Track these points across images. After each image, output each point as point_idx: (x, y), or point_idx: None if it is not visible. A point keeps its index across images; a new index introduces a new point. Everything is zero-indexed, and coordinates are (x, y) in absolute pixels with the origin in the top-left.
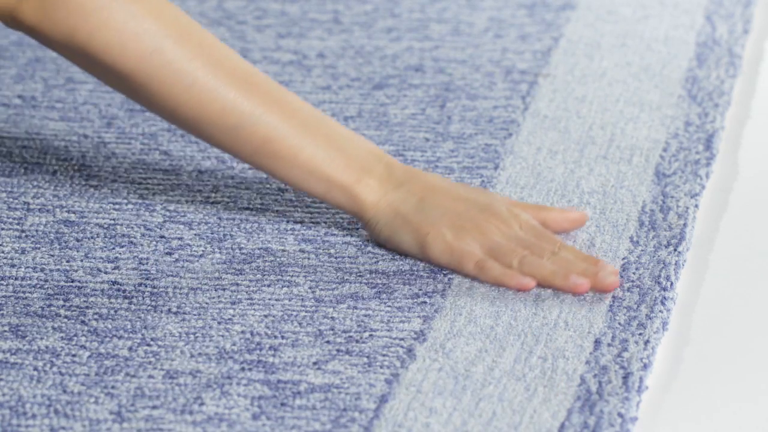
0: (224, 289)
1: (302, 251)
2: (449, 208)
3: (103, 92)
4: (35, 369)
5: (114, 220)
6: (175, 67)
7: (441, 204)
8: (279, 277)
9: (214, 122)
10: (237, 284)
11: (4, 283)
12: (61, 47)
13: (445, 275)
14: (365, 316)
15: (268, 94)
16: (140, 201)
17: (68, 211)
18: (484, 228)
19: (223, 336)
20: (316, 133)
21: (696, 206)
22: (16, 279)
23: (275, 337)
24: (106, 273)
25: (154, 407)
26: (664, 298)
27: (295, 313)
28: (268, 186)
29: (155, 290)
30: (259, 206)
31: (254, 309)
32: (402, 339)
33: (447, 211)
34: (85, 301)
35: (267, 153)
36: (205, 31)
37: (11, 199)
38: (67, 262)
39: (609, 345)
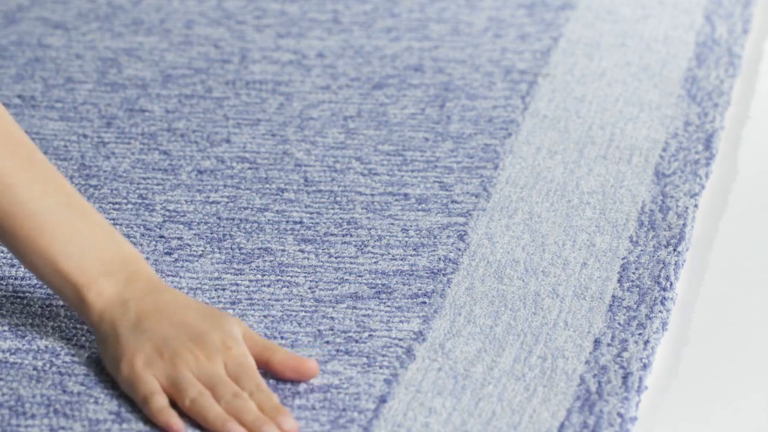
0: (224, 289)
1: (302, 251)
2: (159, 333)
3: (102, 92)
4: (35, 369)
5: (114, 219)
6: None
7: (154, 328)
8: (278, 277)
9: None
10: (237, 284)
11: (4, 283)
12: None
13: (444, 276)
14: (365, 316)
15: (25, 165)
16: (140, 201)
17: None
18: (179, 359)
19: None
20: (63, 221)
21: (695, 206)
22: (16, 279)
23: (275, 337)
24: None
25: None
26: (664, 298)
27: (294, 314)
28: (267, 186)
29: None
30: (259, 206)
31: (254, 309)
32: (401, 339)
33: (155, 336)
34: None
35: (6, 228)
36: None
37: None
38: None
39: (609, 345)
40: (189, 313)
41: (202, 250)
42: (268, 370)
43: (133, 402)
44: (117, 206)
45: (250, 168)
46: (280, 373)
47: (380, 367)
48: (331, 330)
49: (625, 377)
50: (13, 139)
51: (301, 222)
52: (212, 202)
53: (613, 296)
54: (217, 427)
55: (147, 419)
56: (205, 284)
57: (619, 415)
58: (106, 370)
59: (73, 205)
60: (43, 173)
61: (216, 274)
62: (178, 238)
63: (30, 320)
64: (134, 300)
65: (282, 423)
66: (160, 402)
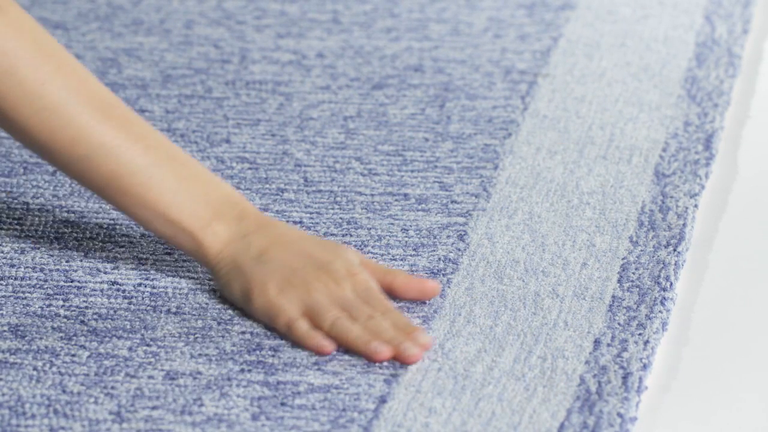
0: None
1: None
2: (285, 263)
3: None
4: (35, 369)
5: (114, 220)
6: (27, 89)
7: (278, 258)
8: None
9: (64, 150)
10: None
11: (4, 283)
12: None
13: (444, 276)
14: None
15: (124, 126)
16: None
17: (68, 211)
18: (310, 286)
19: (222, 336)
20: (168, 173)
21: (695, 206)
22: (15, 279)
23: (275, 337)
24: (105, 273)
25: (154, 408)
26: (664, 298)
27: None
28: (267, 186)
29: (155, 290)
30: (258, 206)
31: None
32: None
33: (281, 266)
34: (84, 301)
35: (115, 189)
36: (68, 53)
37: (11, 199)
38: (67, 262)
39: (608, 345)
40: (307, 244)
41: None
42: (391, 294)
43: (132, 402)
44: None
45: (250, 168)
46: (404, 294)
47: (380, 368)
48: None
49: (625, 377)
50: (107, 102)
51: (301, 222)
52: None
53: (613, 296)
54: (359, 346)
55: (147, 419)
56: (205, 284)
57: (619, 415)
58: (236, 304)
59: (173, 156)
60: (141, 130)
61: None
62: None
63: (31, 319)
64: (251, 234)
65: (417, 338)
66: (304, 325)
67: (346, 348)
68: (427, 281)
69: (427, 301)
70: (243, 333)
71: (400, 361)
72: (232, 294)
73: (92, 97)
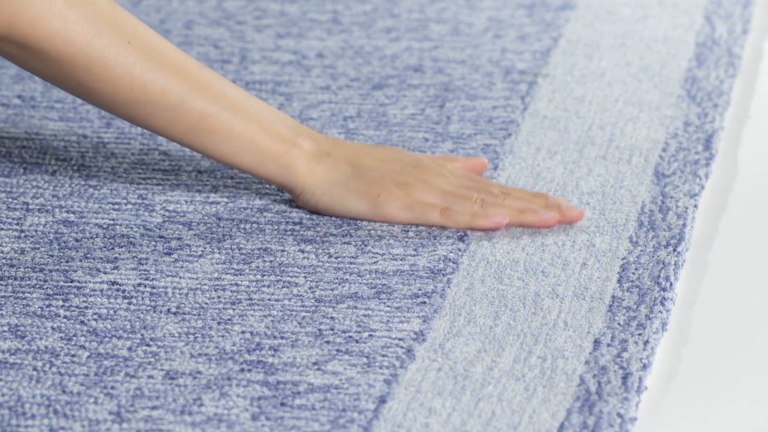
0: (224, 290)
1: (302, 251)
2: (385, 168)
3: None
4: (34, 369)
5: (113, 220)
6: (116, 51)
7: (375, 167)
8: (278, 277)
9: (154, 102)
10: (237, 284)
11: (4, 283)
12: (1, 40)
13: (444, 276)
14: (365, 316)
15: (200, 75)
16: (139, 201)
17: (68, 211)
18: (429, 180)
19: (222, 336)
20: (245, 110)
21: (695, 206)
22: (15, 279)
23: (275, 337)
24: (105, 273)
25: (154, 408)
26: (664, 298)
27: (294, 313)
28: (267, 187)
29: (154, 290)
30: (258, 206)
31: (254, 309)
32: (401, 339)
33: (386, 172)
34: (84, 301)
35: (202, 129)
36: (136, 18)
37: (10, 199)
38: (67, 262)
39: (608, 345)
40: (382, 151)
41: (202, 251)
42: None
43: (132, 402)
44: (117, 206)
45: None
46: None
47: (380, 367)
48: (332, 330)
49: (624, 377)
50: (181, 60)
51: (300, 222)
52: (212, 203)
53: (613, 296)
54: (529, 217)
55: (147, 419)
56: (204, 284)
57: (619, 415)
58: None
59: (243, 95)
60: (213, 79)
61: (216, 275)
62: (178, 239)
63: (31, 320)
64: (332, 153)
65: (561, 202)
66: (463, 211)
67: (512, 223)
68: (476, 158)
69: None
70: (243, 333)
71: (565, 222)
72: (347, 209)
73: (170, 55)
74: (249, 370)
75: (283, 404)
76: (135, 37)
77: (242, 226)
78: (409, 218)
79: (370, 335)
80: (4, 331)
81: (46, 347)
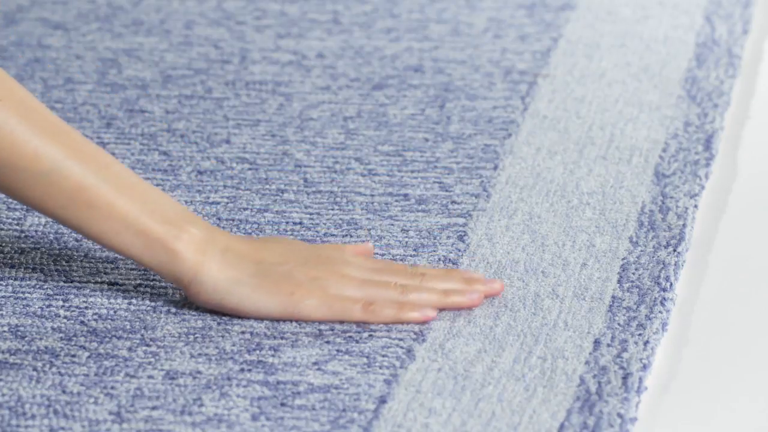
0: None
1: None
2: (290, 263)
3: (102, 93)
4: (35, 369)
5: None
6: None
7: (280, 262)
8: None
9: (25, 167)
10: None
11: (4, 284)
12: None
13: None
14: None
15: (80, 143)
16: None
17: None
18: (340, 271)
19: (222, 336)
20: (131, 187)
21: (695, 207)
22: (15, 279)
23: (275, 337)
24: (105, 273)
25: (154, 408)
26: (664, 298)
27: None
28: (267, 187)
29: (154, 290)
30: (258, 207)
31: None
32: (401, 339)
33: (293, 266)
34: (84, 302)
35: (80, 202)
36: (14, 81)
37: (11, 200)
38: (66, 262)
39: (608, 345)
40: (280, 245)
41: None
42: None
43: (132, 402)
44: None
45: (249, 168)
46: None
47: (380, 368)
48: (332, 330)
49: (625, 378)
50: (59, 126)
51: (301, 223)
52: (212, 203)
53: (613, 297)
54: (456, 298)
55: (147, 419)
56: None
57: (619, 415)
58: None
59: (130, 173)
60: (94, 150)
61: None
62: None
63: (31, 320)
64: (230, 248)
65: (477, 277)
66: (388, 304)
67: (440, 308)
68: (365, 245)
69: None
70: (243, 333)
71: (490, 296)
72: (253, 306)
73: (47, 119)
74: (249, 370)
75: (283, 404)
76: (9, 95)
77: (242, 226)
78: (328, 316)
79: (370, 335)
80: (4, 331)
81: (46, 347)
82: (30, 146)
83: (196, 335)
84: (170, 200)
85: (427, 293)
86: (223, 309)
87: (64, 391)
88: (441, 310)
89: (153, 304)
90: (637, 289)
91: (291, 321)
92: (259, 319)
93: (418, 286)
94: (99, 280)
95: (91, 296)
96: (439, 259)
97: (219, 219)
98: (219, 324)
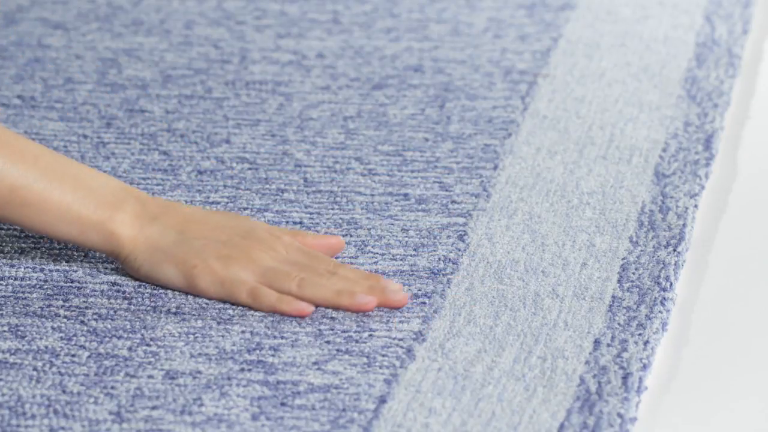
0: None
1: None
2: (211, 238)
3: (102, 93)
4: (35, 369)
5: None
6: None
7: (202, 235)
8: None
9: None
10: None
11: (4, 283)
12: None
13: (444, 276)
14: (365, 316)
15: (9, 142)
16: None
17: None
18: (252, 254)
19: (222, 336)
20: (62, 177)
21: (695, 206)
22: (15, 279)
23: (275, 337)
24: (105, 273)
25: (154, 407)
26: (664, 298)
27: None
28: (267, 187)
29: (155, 290)
30: (258, 206)
31: (254, 309)
32: (401, 339)
33: (210, 242)
34: (84, 302)
35: (16, 202)
36: None
37: None
38: (67, 262)
39: (608, 345)
40: (217, 218)
41: None
42: None
43: (132, 402)
44: None
45: (249, 168)
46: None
47: (380, 367)
48: (332, 330)
49: (625, 378)
50: None
51: (301, 222)
52: (212, 203)
53: (613, 296)
54: (342, 300)
55: (147, 419)
56: None
57: (619, 415)
58: (166, 284)
59: (58, 160)
60: (21, 145)
61: None
62: None
63: (31, 320)
64: (160, 217)
65: (389, 284)
66: (271, 293)
67: (323, 305)
68: (331, 237)
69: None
70: (243, 332)
71: (387, 307)
72: (163, 277)
73: None
74: (249, 370)
75: (283, 404)
76: None
77: None
78: (217, 294)
79: (370, 335)
80: (5, 331)
81: (46, 347)
82: None
83: (196, 335)
84: (102, 180)
85: (320, 289)
86: (143, 278)
87: (64, 391)
88: (335, 308)
89: (153, 304)
90: (637, 289)
91: (193, 295)
92: (167, 288)
93: (316, 282)
94: (99, 280)
95: (91, 296)
96: (439, 259)
97: None
98: (219, 324)
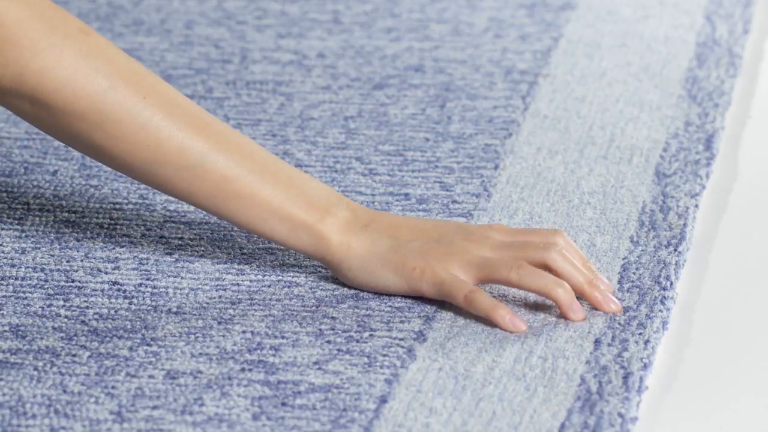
0: (225, 289)
1: None
2: (425, 239)
3: None
4: (35, 369)
5: (114, 220)
6: (129, 105)
7: (416, 237)
8: (279, 277)
9: (171, 162)
10: (238, 284)
11: (4, 283)
12: (7, 92)
13: None
14: (365, 315)
15: (224, 134)
16: (140, 201)
17: (68, 211)
18: (467, 246)
19: (223, 336)
20: (275, 174)
21: (696, 206)
22: (16, 279)
23: (276, 337)
24: (106, 273)
25: (155, 407)
26: (664, 297)
27: (295, 313)
28: None
29: (155, 290)
30: None
31: (255, 309)
32: (402, 339)
33: (425, 244)
34: (85, 301)
35: (226, 193)
36: (156, 75)
37: (11, 199)
38: (67, 262)
39: (609, 345)
40: (426, 222)
41: (203, 251)
42: None
43: (133, 402)
44: (117, 206)
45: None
46: None
47: (381, 367)
48: (332, 330)
49: (625, 377)
50: (203, 118)
51: None
52: None
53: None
54: (556, 295)
55: (147, 419)
56: (206, 284)
57: (620, 415)
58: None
59: (275, 160)
60: (238, 140)
61: (217, 275)
62: (179, 239)
63: (32, 319)
64: (371, 224)
65: (601, 280)
66: (486, 300)
67: (540, 295)
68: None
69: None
70: (244, 332)
71: (598, 309)
72: (383, 283)
73: (189, 111)
74: (250, 370)
75: (284, 404)
76: (152, 92)
77: None
78: (439, 296)
79: (371, 335)
80: (5, 330)
81: (47, 347)
82: (175, 141)
83: (196, 335)
84: (315, 183)
85: (539, 280)
86: (358, 285)
87: (64, 391)
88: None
89: (153, 303)
90: (638, 289)
91: (416, 297)
92: (388, 294)
93: (530, 270)
94: (100, 280)
95: (91, 296)
96: None
97: (219, 219)
98: (220, 323)
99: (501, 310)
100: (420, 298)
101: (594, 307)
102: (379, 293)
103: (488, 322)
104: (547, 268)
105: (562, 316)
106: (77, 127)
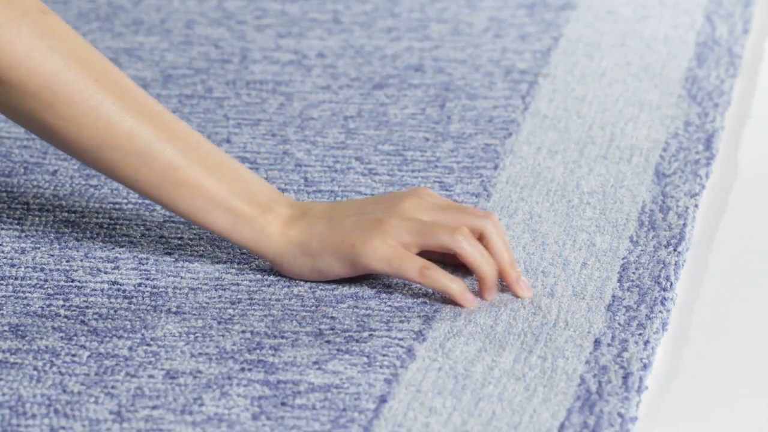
0: (225, 289)
1: None
2: (359, 212)
3: None
4: (35, 369)
5: (114, 220)
6: (82, 87)
7: (349, 214)
8: (279, 276)
9: (119, 146)
10: (237, 284)
11: (4, 283)
12: None
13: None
14: (365, 315)
15: (173, 124)
16: (140, 201)
17: (68, 211)
18: (402, 208)
19: (223, 336)
20: (220, 167)
21: (696, 206)
22: (16, 279)
23: (275, 336)
24: (106, 273)
25: (154, 407)
26: (664, 298)
27: (295, 313)
28: None
29: (155, 290)
30: None
31: (254, 309)
32: (402, 339)
33: (360, 217)
34: (84, 301)
35: (171, 181)
36: (110, 62)
37: (11, 199)
38: (67, 262)
39: (609, 345)
40: (362, 200)
41: (203, 250)
42: None
43: (132, 402)
44: (117, 206)
45: (250, 168)
46: None
47: (381, 367)
48: (332, 329)
49: (625, 377)
50: (152, 107)
51: None
52: None
53: (613, 296)
54: (483, 264)
55: (147, 419)
56: (205, 284)
57: (620, 415)
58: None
59: (220, 153)
60: (185, 130)
61: (216, 274)
62: (179, 239)
63: (31, 319)
64: (307, 212)
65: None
66: (441, 275)
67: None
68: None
69: (432, 294)
70: (243, 332)
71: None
72: (326, 267)
73: (140, 98)
74: (249, 370)
75: (283, 404)
76: (105, 75)
77: None
78: (387, 272)
79: (371, 335)
80: (5, 330)
81: (46, 347)
82: (125, 126)
83: (196, 334)
84: (257, 179)
85: (478, 247)
86: (299, 274)
87: (64, 391)
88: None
89: (153, 303)
90: (638, 289)
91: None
92: (331, 279)
93: (472, 239)
94: (99, 279)
95: (91, 296)
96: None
97: None
98: (219, 323)
99: (456, 284)
100: (420, 299)
101: (508, 287)
102: (328, 281)
103: (488, 322)
104: (481, 238)
105: (478, 291)
106: (29, 105)
